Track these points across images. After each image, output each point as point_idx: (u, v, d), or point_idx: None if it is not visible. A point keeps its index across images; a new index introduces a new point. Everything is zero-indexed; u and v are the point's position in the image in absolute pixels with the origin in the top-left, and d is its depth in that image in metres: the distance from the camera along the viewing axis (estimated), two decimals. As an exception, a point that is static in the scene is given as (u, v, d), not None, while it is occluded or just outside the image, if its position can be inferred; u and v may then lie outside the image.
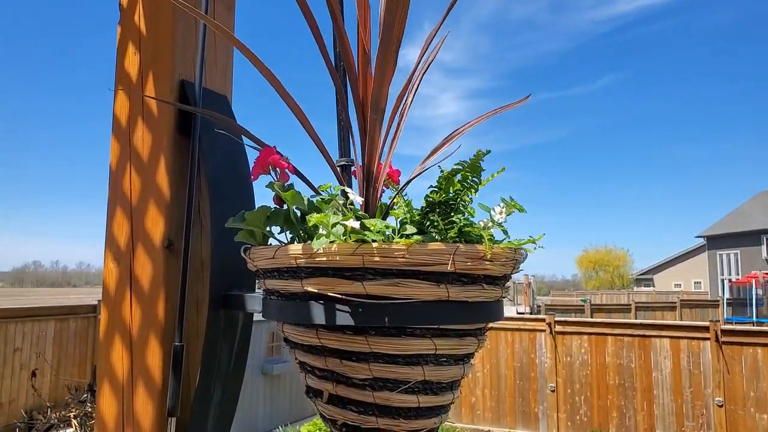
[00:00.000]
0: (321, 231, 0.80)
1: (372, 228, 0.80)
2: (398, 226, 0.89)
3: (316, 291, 0.83)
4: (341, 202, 0.87)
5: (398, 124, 1.01)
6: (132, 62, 1.21)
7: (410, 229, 0.84)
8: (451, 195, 0.91)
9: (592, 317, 18.32)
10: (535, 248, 0.99)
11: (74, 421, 8.80)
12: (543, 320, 8.89)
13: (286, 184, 0.92)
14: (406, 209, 0.94)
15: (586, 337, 8.30)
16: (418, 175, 1.01)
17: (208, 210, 1.14)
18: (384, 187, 1.04)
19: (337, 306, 0.82)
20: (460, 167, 0.90)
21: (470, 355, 0.92)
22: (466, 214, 0.95)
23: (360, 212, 0.88)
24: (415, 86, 1.01)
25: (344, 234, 0.81)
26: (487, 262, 0.83)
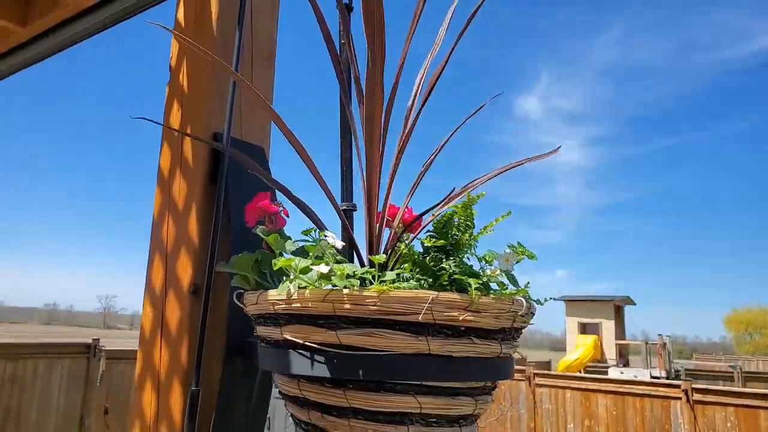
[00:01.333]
0: (292, 276, 0.79)
1: (338, 272, 0.77)
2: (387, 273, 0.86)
3: (293, 339, 0.81)
4: (326, 245, 0.86)
5: (394, 167, 0.99)
6: (175, 118, 1.30)
7: (389, 275, 0.81)
8: (449, 240, 0.87)
9: (744, 386, 16.31)
10: (545, 300, 0.90)
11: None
12: (678, 386, 8.09)
13: (282, 228, 0.92)
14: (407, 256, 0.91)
15: (732, 408, 7.40)
16: (426, 225, 0.97)
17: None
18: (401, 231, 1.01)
19: (314, 356, 0.80)
20: (454, 210, 0.86)
21: (468, 417, 0.85)
22: (474, 260, 0.89)
23: (339, 257, 0.85)
24: (408, 129, 0.99)
25: (318, 279, 0.79)
26: (471, 313, 0.77)
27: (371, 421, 0.80)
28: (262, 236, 0.90)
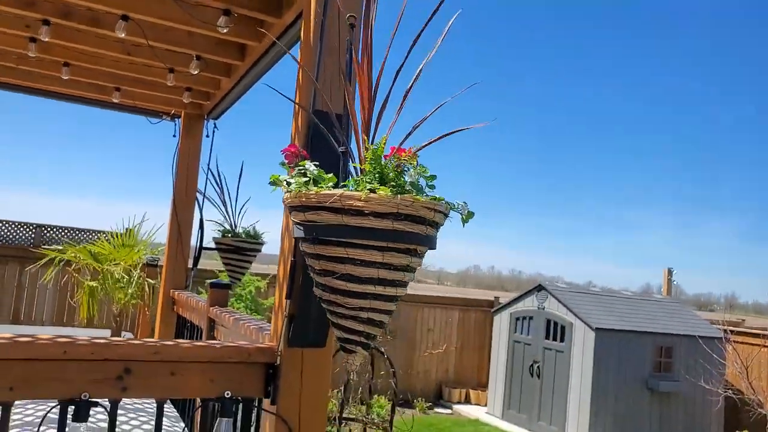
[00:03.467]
0: (285, 184, 1.61)
1: (295, 182, 1.57)
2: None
3: (294, 219, 1.64)
4: (312, 169, 1.65)
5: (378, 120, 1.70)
6: (297, 99, 2.20)
7: (330, 182, 1.56)
8: (376, 168, 1.57)
9: None
10: (447, 204, 1.54)
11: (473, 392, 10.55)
12: None
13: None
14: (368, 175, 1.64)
15: None
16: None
17: (316, 184, 2.03)
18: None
19: (302, 225, 1.61)
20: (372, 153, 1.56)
21: (382, 264, 1.55)
22: (408, 177, 1.58)
23: (315, 175, 1.63)
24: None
25: (298, 186, 1.59)
26: (361, 203, 1.48)
27: (328, 261, 1.58)
28: (280, 164, 1.74)
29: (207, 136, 4.75)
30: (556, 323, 9.23)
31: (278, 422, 1.98)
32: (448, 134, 1.66)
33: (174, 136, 4.86)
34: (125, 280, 6.00)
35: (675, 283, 11.91)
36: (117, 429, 1.87)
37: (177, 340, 2.20)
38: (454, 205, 1.66)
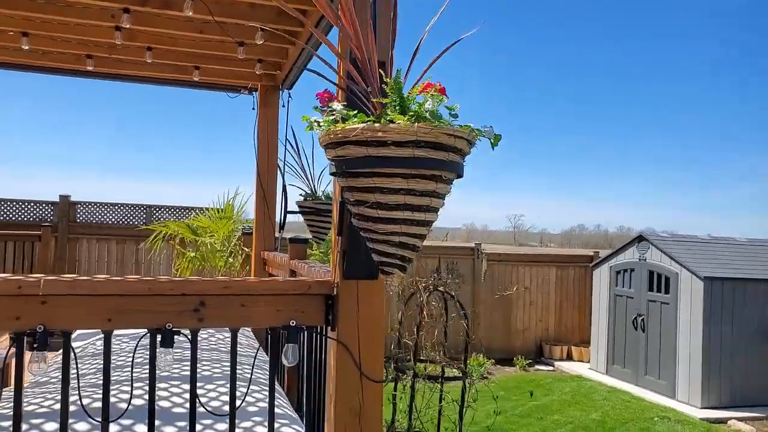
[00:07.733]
0: (316, 124, 1.80)
1: (324, 121, 1.75)
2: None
3: (328, 157, 1.83)
4: (340, 108, 1.82)
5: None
6: (340, 50, 2.37)
7: (357, 119, 1.73)
8: (392, 98, 1.73)
9: None
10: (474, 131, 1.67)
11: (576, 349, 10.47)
12: None
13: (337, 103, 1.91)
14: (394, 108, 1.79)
15: None
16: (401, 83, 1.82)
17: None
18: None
19: (334, 161, 1.80)
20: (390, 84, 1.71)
21: (404, 190, 1.70)
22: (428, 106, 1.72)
23: (343, 113, 1.80)
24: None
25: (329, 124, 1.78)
26: (380, 133, 1.64)
27: (360, 192, 1.77)
28: (313, 108, 1.92)
29: (283, 106, 5.06)
30: (659, 274, 8.92)
31: (339, 347, 2.21)
32: (446, 49, 1.80)
33: (253, 109, 5.20)
34: (224, 248, 6.52)
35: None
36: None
37: (245, 277, 2.48)
38: (480, 131, 1.78)
